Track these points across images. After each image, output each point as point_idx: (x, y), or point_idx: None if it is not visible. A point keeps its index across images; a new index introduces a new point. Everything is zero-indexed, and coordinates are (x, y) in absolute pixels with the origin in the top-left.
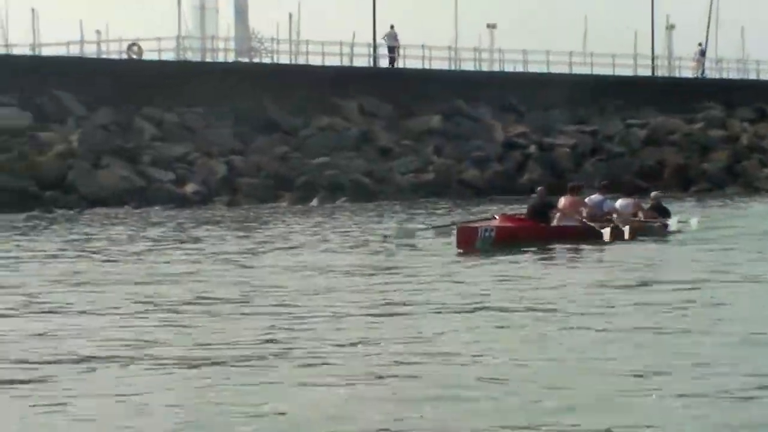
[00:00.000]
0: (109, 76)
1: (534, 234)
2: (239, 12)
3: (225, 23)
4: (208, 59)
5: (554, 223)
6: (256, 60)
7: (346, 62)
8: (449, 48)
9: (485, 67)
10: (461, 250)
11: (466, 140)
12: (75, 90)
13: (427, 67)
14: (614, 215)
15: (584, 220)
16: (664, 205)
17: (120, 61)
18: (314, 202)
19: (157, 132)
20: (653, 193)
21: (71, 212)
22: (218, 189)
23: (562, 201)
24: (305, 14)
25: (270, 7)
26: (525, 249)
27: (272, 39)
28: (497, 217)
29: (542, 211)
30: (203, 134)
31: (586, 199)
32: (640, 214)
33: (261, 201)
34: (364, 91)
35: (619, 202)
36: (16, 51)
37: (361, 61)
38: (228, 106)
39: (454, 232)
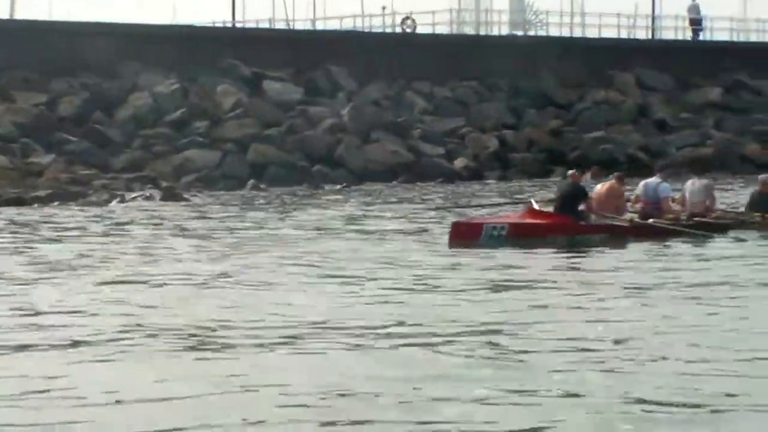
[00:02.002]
0: (382, 50)
1: (561, 234)
2: None
3: None
4: (482, 33)
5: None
6: (530, 33)
7: (623, 34)
8: (731, 19)
9: None
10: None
11: (749, 114)
12: (347, 64)
13: (708, 38)
14: (675, 203)
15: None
16: None
17: (393, 35)
18: (587, 177)
19: (428, 106)
20: (761, 176)
21: (337, 187)
22: (489, 164)
23: (598, 189)
24: None
25: None
26: None
27: (546, 12)
28: (522, 210)
29: (571, 203)
30: (476, 108)
31: (641, 183)
32: (709, 203)
33: (532, 176)
34: (643, 63)
35: (689, 185)
36: (298, 26)
37: (641, 33)
38: (501, 80)
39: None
